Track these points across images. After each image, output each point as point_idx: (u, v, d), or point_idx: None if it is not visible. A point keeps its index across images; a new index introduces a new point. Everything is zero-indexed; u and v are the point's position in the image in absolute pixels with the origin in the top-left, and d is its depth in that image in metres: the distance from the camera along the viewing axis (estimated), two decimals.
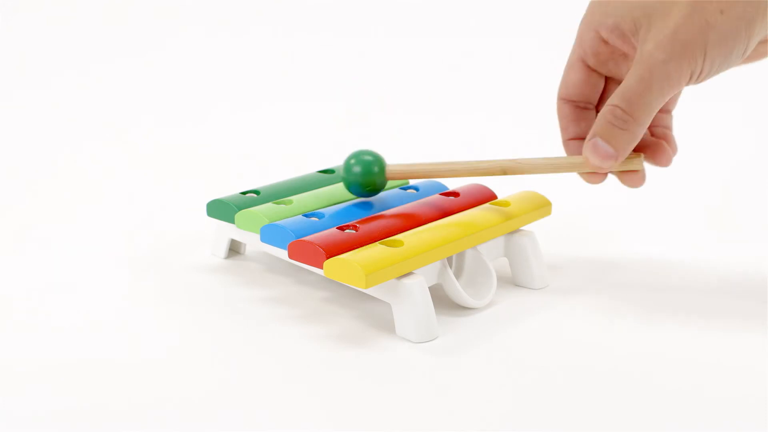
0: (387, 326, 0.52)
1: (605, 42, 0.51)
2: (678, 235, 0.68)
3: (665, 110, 0.55)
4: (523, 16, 1.18)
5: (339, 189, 0.62)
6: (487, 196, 0.61)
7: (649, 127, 0.55)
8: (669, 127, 0.55)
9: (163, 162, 0.89)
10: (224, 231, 0.62)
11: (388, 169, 0.56)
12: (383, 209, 0.58)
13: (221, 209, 0.60)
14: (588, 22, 0.51)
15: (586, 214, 0.72)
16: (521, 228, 0.58)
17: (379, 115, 1.01)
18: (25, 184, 0.81)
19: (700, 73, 0.47)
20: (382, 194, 0.62)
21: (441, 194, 0.60)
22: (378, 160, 0.56)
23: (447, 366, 0.48)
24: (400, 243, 0.51)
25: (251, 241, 0.59)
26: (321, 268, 0.50)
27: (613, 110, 0.49)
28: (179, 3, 1.22)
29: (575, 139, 0.54)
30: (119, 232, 0.68)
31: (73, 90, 1.08)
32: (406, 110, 1.02)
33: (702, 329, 0.51)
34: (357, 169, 0.56)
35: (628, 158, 0.52)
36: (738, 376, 0.46)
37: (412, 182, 0.65)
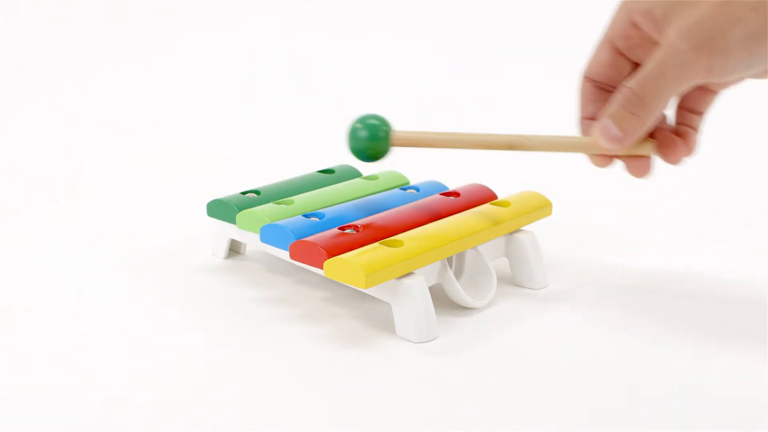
0: (387, 326, 0.52)
1: (636, 26, 0.50)
2: (678, 236, 0.68)
3: (694, 110, 0.53)
4: None
5: (339, 189, 0.62)
6: (488, 197, 0.61)
7: (675, 124, 0.53)
8: (695, 128, 0.53)
9: (163, 162, 0.89)
10: (224, 231, 0.62)
11: (394, 135, 0.54)
12: (383, 209, 0.58)
13: (221, 209, 0.60)
14: (623, 3, 0.51)
15: (586, 215, 0.72)
16: (521, 228, 0.58)
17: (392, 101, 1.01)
18: (25, 184, 0.81)
19: (720, 68, 0.46)
20: (382, 194, 0.62)
21: (441, 194, 0.60)
22: (384, 124, 0.54)
23: (447, 366, 0.48)
24: (400, 243, 0.51)
25: (251, 241, 0.59)
26: (322, 268, 0.50)
27: (625, 93, 0.48)
28: (179, 3, 1.22)
29: (591, 118, 0.53)
30: (119, 232, 0.68)
31: (74, 90, 1.08)
32: (414, 100, 1.02)
33: (702, 331, 0.51)
34: (363, 133, 0.53)
35: (638, 143, 0.51)
36: (740, 379, 0.47)
37: (412, 182, 0.65)
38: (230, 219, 0.59)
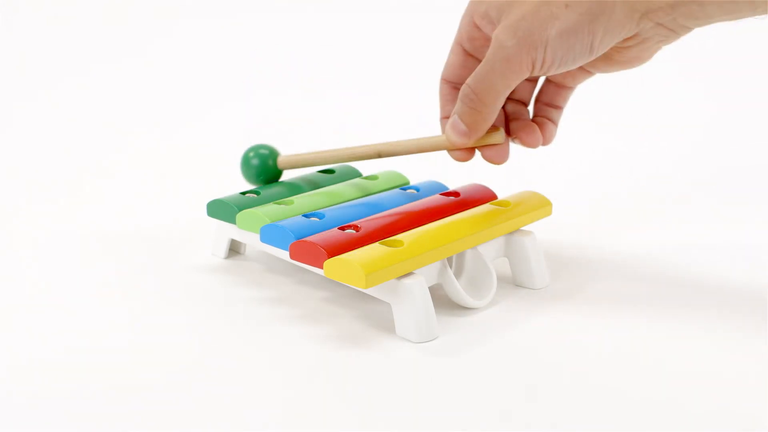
0: (387, 326, 0.52)
1: (478, 28, 0.53)
2: (678, 235, 0.68)
3: (551, 104, 0.56)
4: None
5: (339, 189, 0.62)
6: (488, 196, 0.61)
7: (534, 115, 0.56)
8: (553, 121, 0.56)
9: (163, 162, 0.89)
10: (224, 231, 0.62)
11: (280, 159, 0.63)
12: (383, 209, 0.58)
13: (221, 209, 0.60)
14: (467, 7, 0.54)
15: (586, 214, 0.72)
16: (521, 228, 0.58)
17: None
18: (25, 184, 0.81)
19: (543, 62, 0.49)
20: (382, 194, 0.62)
21: (441, 194, 0.60)
22: (272, 153, 0.63)
23: (447, 366, 0.48)
24: (400, 243, 0.51)
25: (251, 241, 0.59)
26: (322, 268, 0.51)
27: (465, 90, 0.51)
28: (179, 3, 1.22)
29: (449, 117, 0.56)
30: (119, 232, 0.68)
31: (74, 90, 1.08)
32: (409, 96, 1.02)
33: (703, 331, 0.51)
34: (255, 161, 0.63)
35: (487, 133, 0.53)
36: (740, 378, 0.46)
37: (412, 182, 0.65)
38: (230, 219, 0.59)
